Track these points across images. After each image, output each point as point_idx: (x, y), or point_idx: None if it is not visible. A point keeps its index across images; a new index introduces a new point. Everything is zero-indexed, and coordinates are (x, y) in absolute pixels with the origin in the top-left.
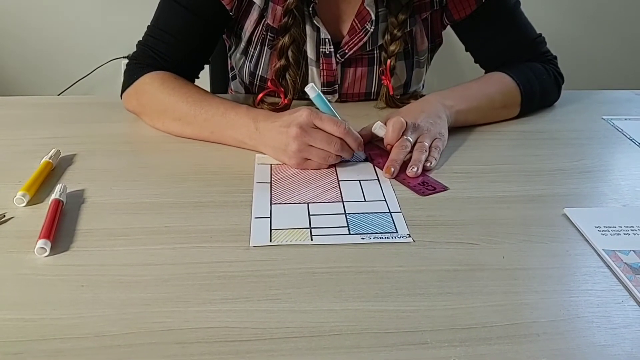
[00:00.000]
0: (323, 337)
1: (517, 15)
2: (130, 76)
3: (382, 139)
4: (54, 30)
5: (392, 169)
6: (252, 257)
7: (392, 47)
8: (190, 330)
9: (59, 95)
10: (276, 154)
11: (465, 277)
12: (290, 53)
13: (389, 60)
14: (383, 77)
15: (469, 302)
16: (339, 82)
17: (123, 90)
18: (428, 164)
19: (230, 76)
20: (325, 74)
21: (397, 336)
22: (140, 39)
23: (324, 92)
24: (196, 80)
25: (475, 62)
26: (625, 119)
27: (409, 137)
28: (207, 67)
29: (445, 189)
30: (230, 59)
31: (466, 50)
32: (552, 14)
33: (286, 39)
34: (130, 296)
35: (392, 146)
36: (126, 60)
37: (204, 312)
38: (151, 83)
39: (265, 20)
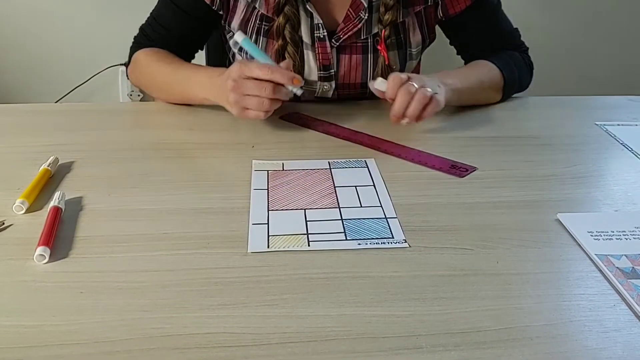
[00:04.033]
0: (319, 342)
1: (500, 10)
2: (130, 55)
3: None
4: (52, 37)
5: (397, 118)
6: (250, 263)
7: (386, 17)
8: (188, 336)
9: (56, 102)
10: (226, 106)
11: (459, 282)
12: (286, 33)
13: (383, 30)
14: (379, 46)
15: (463, 306)
16: (335, 69)
17: (127, 67)
18: (421, 119)
19: None
20: (320, 57)
21: (392, 341)
22: (143, 22)
23: (321, 77)
24: None
25: (458, 53)
26: (618, 125)
27: (414, 83)
28: None
29: (475, 168)
30: (232, 59)
31: (451, 44)
32: (546, 20)
33: (281, 19)
34: (129, 302)
35: (393, 99)
36: (124, 68)
37: (202, 317)
38: (140, 59)
39: (258, 11)
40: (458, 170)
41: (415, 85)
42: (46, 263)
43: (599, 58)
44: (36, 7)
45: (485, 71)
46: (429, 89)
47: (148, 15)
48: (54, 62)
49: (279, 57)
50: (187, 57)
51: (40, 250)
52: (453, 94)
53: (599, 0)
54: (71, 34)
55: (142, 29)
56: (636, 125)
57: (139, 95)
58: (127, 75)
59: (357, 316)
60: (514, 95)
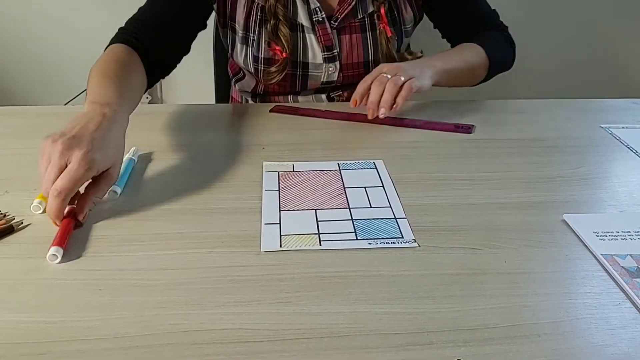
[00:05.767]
0: (333, 338)
1: None
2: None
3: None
4: (60, 40)
5: (372, 110)
6: (263, 262)
7: None
8: (206, 332)
9: (65, 104)
10: None
11: (468, 280)
12: (278, 10)
13: (382, 6)
14: (379, 22)
15: (472, 304)
16: (338, 50)
17: None
18: (395, 107)
19: (233, 81)
20: (322, 39)
21: (403, 337)
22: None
23: (325, 58)
24: (197, 85)
25: (443, 37)
26: (623, 127)
27: (386, 74)
28: (210, 76)
29: (473, 126)
30: (233, 58)
31: (434, 27)
32: (551, 23)
33: (271, 0)
34: (146, 299)
35: (363, 95)
36: None
37: (218, 314)
38: (100, 57)
39: (258, 4)
40: (462, 128)
41: (388, 76)
42: (63, 262)
43: (603, 61)
44: (44, 11)
45: (472, 52)
46: (402, 77)
47: None
48: (62, 65)
49: (274, 35)
50: (173, 54)
51: (52, 250)
52: (441, 75)
53: (603, 3)
54: (79, 37)
55: (127, 21)
56: None
57: (147, 98)
58: None
59: (369, 313)
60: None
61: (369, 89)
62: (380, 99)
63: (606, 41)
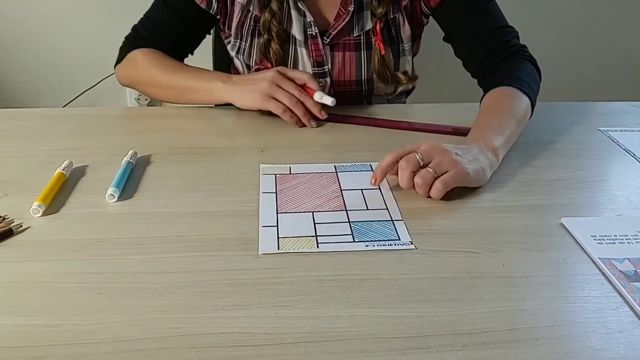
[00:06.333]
0: (331, 342)
1: (490, 4)
2: (122, 53)
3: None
4: (59, 41)
5: (375, 180)
6: (261, 265)
7: (379, 10)
8: (204, 336)
9: (64, 106)
10: (242, 96)
11: (466, 284)
12: (272, 27)
13: (378, 21)
14: (375, 38)
15: (470, 308)
16: (330, 66)
17: (116, 65)
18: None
19: None
20: (314, 54)
21: (401, 341)
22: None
23: (315, 73)
24: None
25: (457, 55)
26: (621, 131)
27: (420, 154)
28: None
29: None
30: (234, 60)
31: (444, 40)
32: (549, 26)
33: (267, 14)
34: (145, 303)
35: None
36: None
37: (217, 318)
38: (137, 58)
39: (253, 13)
40: (460, 131)
41: (419, 158)
42: (63, 264)
43: (602, 64)
44: (44, 11)
45: (514, 104)
46: (435, 170)
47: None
48: (61, 66)
49: (265, 51)
50: (179, 59)
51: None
52: (503, 148)
53: (602, 6)
54: (79, 37)
55: (135, 29)
56: (639, 131)
57: (146, 100)
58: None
59: (367, 317)
60: None
61: (393, 165)
62: (412, 183)
63: (605, 44)
